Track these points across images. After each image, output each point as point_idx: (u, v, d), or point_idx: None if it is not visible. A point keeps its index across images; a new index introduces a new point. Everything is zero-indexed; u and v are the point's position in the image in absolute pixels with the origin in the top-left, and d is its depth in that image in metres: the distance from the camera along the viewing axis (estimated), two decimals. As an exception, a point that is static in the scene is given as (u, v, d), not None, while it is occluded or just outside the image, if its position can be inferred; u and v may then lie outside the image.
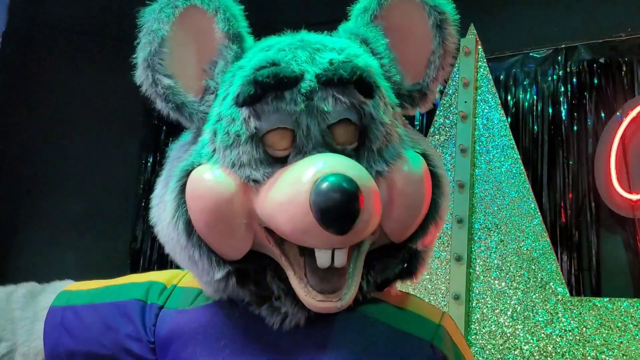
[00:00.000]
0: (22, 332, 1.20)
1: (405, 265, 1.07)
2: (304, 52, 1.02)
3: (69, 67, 3.36)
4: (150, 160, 3.48)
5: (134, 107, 3.46)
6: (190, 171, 1.01)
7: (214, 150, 1.03)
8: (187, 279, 1.18)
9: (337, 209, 0.90)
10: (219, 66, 1.07)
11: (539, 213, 2.02)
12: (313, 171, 0.93)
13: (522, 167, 2.07)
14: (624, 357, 1.83)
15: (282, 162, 1.00)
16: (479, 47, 2.22)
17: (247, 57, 1.05)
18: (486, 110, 2.17)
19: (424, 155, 1.06)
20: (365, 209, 0.92)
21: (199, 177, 1.01)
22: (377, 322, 1.07)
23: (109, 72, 3.39)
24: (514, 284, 1.99)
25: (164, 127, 3.47)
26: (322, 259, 0.97)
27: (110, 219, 3.38)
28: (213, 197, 0.99)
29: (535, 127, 2.39)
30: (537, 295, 1.96)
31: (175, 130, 3.36)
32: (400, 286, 1.13)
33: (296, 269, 1.00)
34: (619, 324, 1.85)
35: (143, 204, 3.43)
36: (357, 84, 0.99)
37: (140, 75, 1.07)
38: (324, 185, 0.90)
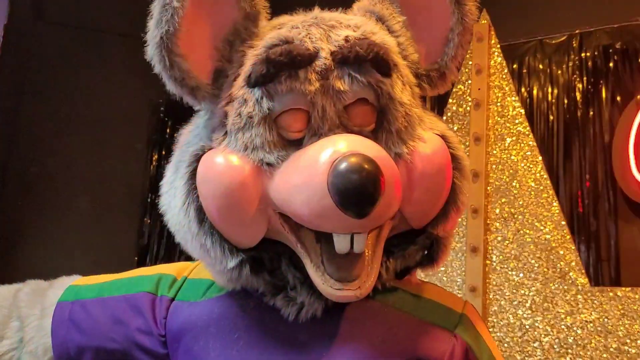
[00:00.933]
0: (30, 330, 1.17)
1: (426, 252, 1.04)
2: (319, 29, 0.98)
3: (74, 62, 3.32)
4: (157, 155, 3.44)
5: (140, 103, 3.44)
6: (201, 156, 0.97)
7: (226, 133, 0.99)
8: (197, 271, 1.16)
9: (357, 191, 0.86)
10: (234, 46, 1.02)
11: (556, 201, 1.97)
12: (331, 152, 0.89)
13: (538, 155, 2.02)
14: (648, 348, 1.78)
15: (296, 144, 0.96)
16: (492, 33, 2.17)
17: (259, 35, 1.01)
18: (500, 98, 2.13)
19: (443, 137, 1.01)
20: (386, 192, 0.88)
21: (210, 161, 0.97)
22: (398, 312, 1.04)
23: (114, 67, 3.36)
24: (532, 275, 1.95)
25: (170, 122, 3.43)
26: (341, 244, 0.93)
27: (117, 215, 3.34)
28: (225, 181, 0.95)
29: (550, 115, 2.34)
30: (556, 286, 1.91)
31: (181, 125, 3.33)
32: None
33: (313, 256, 0.97)
34: (642, 314, 1.80)
35: (149, 200, 3.39)
36: (374, 61, 0.96)
37: (153, 54, 1.00)
38: (343, 165, 0.86)
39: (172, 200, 1.03)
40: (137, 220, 3.42)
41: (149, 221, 3.37)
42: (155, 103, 3.44)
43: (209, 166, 0.97)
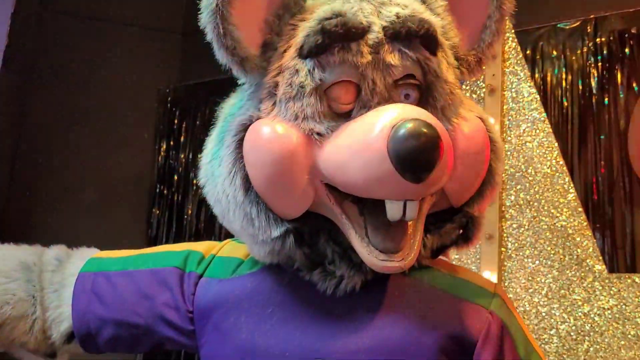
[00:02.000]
0: (52, 297, 1.16)
1: (462, 231, 1.05)
2: (370, 5, 1.00)
3: (81, 51, 3.32)
4: (164, 145, 3.42)
5: (148, 93, 3.43)
6: (248, 125, 0.99)
7: (274, 103, 1.00)
8: (225, 250, 1.16)
9: (417, 155, 0.88)
10: (284, 19, 1.04)
11: (573, 188, 1.95)
12: (390, 118, 0.91)
13: (554, 141, 2.00)
14: (667, 335, 1.76)
15: (345, 116, 0.98)
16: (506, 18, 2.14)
17: (309, 10, 1.03)
18: (515, 83, 2.10)
19: (481, 119, 1.05)
20: (443, 158, 0.90)
21: (259, 130, 0.98)
22: (433, 288, 1.06)
23: (122, 57, 3.36)
24: (549, 262, 1.93)
25: (178, 112, 3.41)
26: (394, 210, 0.94)
27: (125, 206, 3.34)
28: (274, 150, 0.96)
29: (565, 101, 2.31)
30: (573, 273, 1.89)
31: (189, 114, 3.31)
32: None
33: (357, 228, 0.98)
34: (661, 301, 1.79)
35: (157, 190, 3.38)
36: (424, 38, 0.99)
37: (208, 21, 0.99)
38: (403, 130, 0.88)
39: (215, 170, 1.03)
40: (145, 211, 3.42)
41: (157, 212, 3.36)
42: (162, 93, 3.43)
43: (257, 135, 0.98)
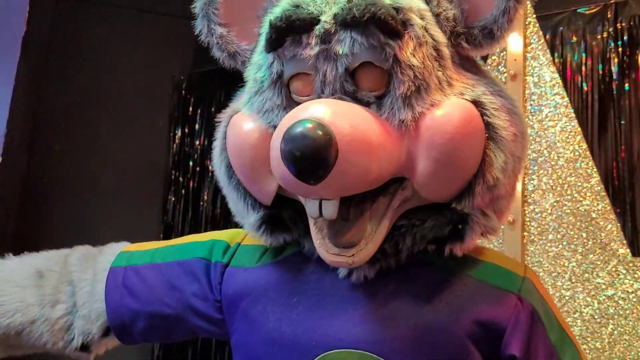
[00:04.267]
0: (82, 294, 1.19)
1: (460, 227, 0.98)
2: None
3: (97, 38, 3.32)
4: (179, 132, 3.43)
5: (162, 79, 3.43)
6: (231, 117, 1.04)
7: (249, 98, 1.03)
8: (250, 237, 1.16)
9: (301, 156, 0.85)
10: (266, 14, 1.05)
11: (596, 172, 1.95)
12: (289, 117, 0.90)
13: (577, 126, 2.00)
14: (692, 318, 1.77)
15: None
16: (528, 2, 2.14)
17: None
18: (537, 68, 2.10)
19: (477, 103, 0.95)
20: (343, 158, 0.85)
21: (233, 123, 1.03)
22: (460, 275, 1.02)
23: (137, 44, 3.36)
24: (572, 246, 1.94)
25: (192, 99, 3.41)
26: (310, 209, 0.95)
27: (141, 192, 3.35)
28: (239, 142, 1.01)
29: (585, 87, 2.31)
30: (596, 257, 1.90)
31: (204, 101, 3.31)
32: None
33: (318, 220, 0.97)
34: (685, 284, 1.80)
35: (173, 177, 3.39)
36: (377, 22, 0.91)
37: (198, 24, 1.09)
38: (292, 132, 0.86)
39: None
40: (161, 197, 3.43)
41: (173, 199, 3.37)
42: (177, 80, 3.43)
43: (232, 127, 1.03)
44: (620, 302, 1.85)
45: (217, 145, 1.08)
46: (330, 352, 0.98)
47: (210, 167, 3.22)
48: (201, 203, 3.28)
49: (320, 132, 0.84)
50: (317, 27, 0.94)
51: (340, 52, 0.93)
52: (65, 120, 3.24)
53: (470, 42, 0.99)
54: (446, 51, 0.98)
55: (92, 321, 1.18)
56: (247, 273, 1.12)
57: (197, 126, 3.39)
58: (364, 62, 0.94)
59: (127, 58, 3.34)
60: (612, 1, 2.36)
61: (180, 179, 3.37)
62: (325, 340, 0.99)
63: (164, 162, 3.42)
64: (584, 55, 2.34)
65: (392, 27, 0.92)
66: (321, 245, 0.97)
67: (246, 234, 1.16)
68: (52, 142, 3.22)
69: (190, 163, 3.35)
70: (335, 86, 0.94)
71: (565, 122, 2.02)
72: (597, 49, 2.34)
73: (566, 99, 2.02)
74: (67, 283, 1.20)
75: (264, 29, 1.00)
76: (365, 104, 0.94)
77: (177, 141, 3.42)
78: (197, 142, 3.36)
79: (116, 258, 1.21)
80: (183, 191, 3.36)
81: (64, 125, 3.24)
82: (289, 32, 0.96)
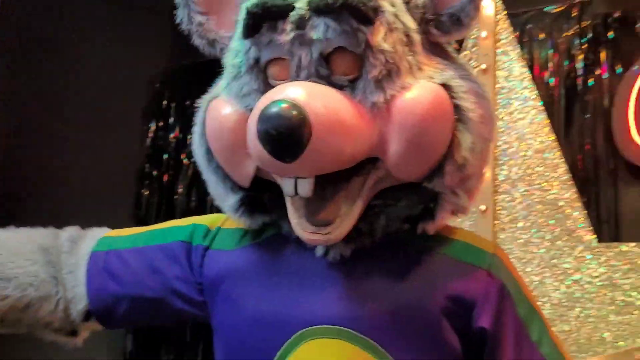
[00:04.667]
0: (69, 277, 1.20)
1: (431, 205, 1.04)
2: None
3: (70, 33, 3.29)
4: (154, 127, 3.43)
5: (136, 74, 3.42)
6: (210, 103, 1.07)
7: (228, 83, 1.07)
8: (230, 221, 1.19)
9: (276, 135, 0.89)
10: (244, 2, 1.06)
11: (563, 162, 2.04)
12: (265, 98, 0.94)
13: (545, 118, 2.09)
14: (653, 299, 1.87)
15: None
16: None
17: None
18: (507, 63, 2.18)
19: (446, 86, 0.99)
20: (316, 137, 0.89)
21: (212, 108, 1.06)
22: (433, 253, 1.07)
23: (111, 38, 3.34)
24: (541, 233, 2.02)
25: (167, 94, 3.42)
26: (287, 187, 0.98)
27: (113, 187, 3.33)
28: (218, 126, 1.04)
29: (551, 82, 2.40)
30: (563, 243, 1.99)
31: (178, 95, 3.30)
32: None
33: (294, 199, 1.01)
34: (647, 268, 1.90)
35: (146, 171, 3.39)
36: (349, 9, 0.95)
37: (179, 13, 1.13)
38: (267, 112, 0.90)
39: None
40: (134, 192, 3.43)
41: (146, 192, 3.37)
42: (151, 74, 3.43)
43: (211, 112, 1.06)
44: (586, 286, 1.95)
45: (196, 130, 1.11)
46: (309, 328, 1.02)
47: (184, 161, 3.24)
48: (175, 197, 3.29)
49: (294, 112, 0.88)
50: (292, 13, 0.97)
51: (315, 37, 0.97)
52: (36, 115, 3.21)
53: (439, 29, 1.04)
54: (416, 37, 1.02)
55: (73, 305, 1.19)
56: (227, 255, 1.15)
57: (171, 120, 3.39)
58: (338, 47, 0.97)
59: (101, 52, 3.32)
60: (576, 0, 2.46)
61: (154, 172, 3.38)
62: (304, 317, 1.03)
63: (138, 155, 3.42)
64: (550, 51, 2.43)
65: (364, 14, 0.96)
66: (298, 224, 1.00)
67: (226, 218, 1.19)
68: (23, 135, 3.19)
69: (165, 156, 3.36)
70: (310, 70, 0.98)
71: (534, 115, 2.11)
72: (563, 46, 2.43)
73: (535, 92, 2.11)
74: (58, 263, 1.20)
75: (241, 16, 1.03)
76: (339, 88, 0.98)
77: (150, 135, 3.43)
78: (172, 136, 3.36)
79: (97, 243, 1.23)
80: (157, 185, 3.36)
81: (35, 120, 3.21)
82: (265, 18, 0.99)
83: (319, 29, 0.96)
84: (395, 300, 1.03)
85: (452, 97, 0.99)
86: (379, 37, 0.98)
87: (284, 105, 0.89)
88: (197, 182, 3.24)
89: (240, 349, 1.08)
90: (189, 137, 3.32)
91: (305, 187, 0.95)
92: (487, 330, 1.03)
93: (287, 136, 0.88)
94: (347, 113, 0.94)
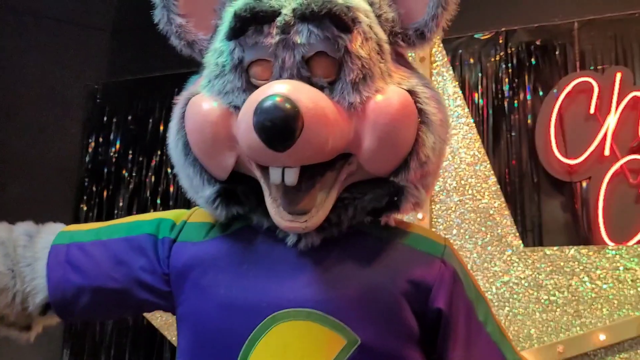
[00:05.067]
0: (26, 270, 1.19)
1: (395, 198, 1.11)
2: None
3: (10, 46, 3.26)
4: (93, 141, 3.42)
5: (76, 88, 3.41)
6: (189, 99, 1.11)
7: (209, 80, 1.11)
8: (195, 216, 1.23)
9: (272, 126, 0.95)
10: (225, 7, 1.14)
11: (493, 174, 2.21)
12: (259, 93, 1.00)
13: (476, 134, 2.25)
14: (572, 297, 2.05)
15: None
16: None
17: None
18: (442, 83, 2.34)
19: (412, 92, 1.08)
20: (307, 129, 0.96)
21: (193, 103, 1.10)
22: (393, 243, 1.15)
23: (51, 52, 3.33)
24: (473, 239, 2.17)
25: (107, 108, 3.43)
26: (273, 175, 1.04)
27: (51, 201, 3.28)
28: (200, 120, 1.08)
29: (481, 102, 2.60)
30: (493, 248, 2.14)
31: (119, 110, 3.33)
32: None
33: (273, 191, 1.07)
34: (567, 269, 2.07)
35: (86, 185, 3.37)
36: (331, 17, 1.03)
37: (157, 14, 1.16)
38: (263, 104, 0.96)
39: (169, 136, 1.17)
40: (73, 206, 3.39)
41: (85, 207, 3.35)
42: (91, 88, 3.43)
43: (191, 107, 1.10)
44: (514, 287, 2.10)
45: (172, 126, 1.15)
46: (280, 311, 1.06)
47: (126, 176, 3.25)
48: (116, 211, 3.28)
49: (288, 105, 0.95)
50: (279, 19, 1.04)
51: (299, 41, 1.03)
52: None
53: (405, 41, 1.13)
54: (387, 47, 1.10)
55: (31, 298, 1.18)
56: (195, 247, 1.17)
57: (112, 135, 3.40)
58: (319, 51, 1.04)
59: (42, 66, 3.30)
60: (502, 29, 2.68)
61: (94, 187, 3.36)
62: (275, 302, 1.07)
63: (77, 170, 3.40)
64: (479, 75, 2.63)
65: (344, 23, 1.04)
66: (276, 213, 1.06)
67: (191, 213, 1.23)
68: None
69: (105, 171, 3.36)
70: (292, 71, 1.04)
71: (466, 131, 2.27)
72: (491, 70, 2.64)
73: (466, 109, 2.28)
74: (14, 256, 1.19)
75: (227, 19, 1.09)
76: (320, 88, 1.05)
77: (90, 149, 3.42)
78: (112, 150, 3.37)
79: (57, 236, 1.22)
80: (97, 199, 3.35)
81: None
82: (253, 22, 1.05)
83: (302, 34, 1.03)
84: (361, 285, 1.09)
85: (416, 102, 1.07)
86: (357, 44, 1.05)
87: (279, 99, 0.95)
88: (137, 196, 3.26)
89: (210, 335, 1.11)
90: (129, 151, 3.37)
91: (292, 176, 1.02)
92: (442, 311, 1.12)
93: (281, 127, 0.94)
94: (330, 110, 1.02)
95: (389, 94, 1.06)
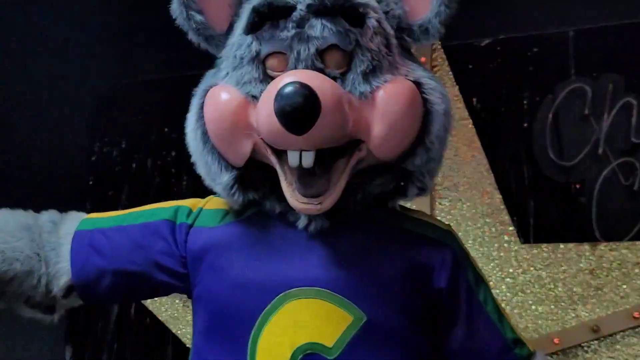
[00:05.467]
0: (51, 254, 1.28)
1: (402, 184, 1.22)
2: None
3: (17, 45, 3.30)
4: (99, 142, 3.46)
5: (83, 89, 3.45)
6: (208, 90, 1.20)
7: (227, 72, 1.20)
8: (211, 203, 1.32)
9: (292, 110, 1.03)
10: (242, 3, 1.25)
11: (492, 175, 2.30)
12: (279, 81, 1.08)
13: (476, 135, 2.34)
14: (567, 291, 2.13)
15: None
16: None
17: None
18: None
19: (417, 83, 1.17)
20: (324, 114, 1.04)
21: (212, 94, 1.19)
22: (397, 227, 1.25)
23: (58, 53, 3.37)
24: (472, 236, 2.26)
25: (115, 109, 3.46)
26: (291, 158, 1.12)
27: (58, 201, 3.32)
28: (220, 109, 1.16)
29: (479, 106, 2.67)
30: (491, 245, 2.25)
31: (127, 112, 3.34)
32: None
33: (288, 176, 1.15)
34: (562, 264, 2.18)
35: (91, 183, 3.41)
36: (343, 12, 1.14)
37: (175, 10, 1.24)
38: (284, 90, 1.04)
39: (187, 127, 1.26)
40: (77, 208, 3.40)
41: (89, 208, 3.39)
42: (99, 90, 3.45)
43: (211, 98, 1.19)
44: (511, 281, 2.20)
45: (191, 116, 1.24)
46: (291, 289, 1.15)
47: (132, 176, 3.30)
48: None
49: (307, 92, 1.03)
50: (294, 13, 1.14)
51: (313, 35, 1.13)
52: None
53: (410, 36, 1.24)
54: (394, 41, 1.21)
55: (55, 281, 1.27)
56: (211, 231, 1.26)
57: (118, 135, 3.44)
58: (331, 44, 1.14)
59: (47, 67, 3.33)
60: (501, 36, 2.77)
61: (99, 187, 3.41)
62: (286, 281, 1.16)
63: (83, 170, 3.43)
64: (478, 79, 2.71)
65: (356, 18, 1.15)
66: (292, 196, 1.15)
67: (206, 201, 1.33)
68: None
69: (110, 171, 3.40)
70: (307, 63, 1.13)
71: (467, 133, 2.37)
72: (490, 75, 2.72)
73: (466, 112, 2.37)
74: (39, 241, 1.29)
75: (245, 14, 1.20)
76: (332, 79, 1.14)
77: (96, 150, 3.45)
78: (117, 151, 3.40)
79: (80, 223, 1.33)
80: (101, 200, 3.39)
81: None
82: (270, 16, 1.15)
83: (316, 28, 1.13)
84: (367, 265, 1.18)
85: (422, 92, 1.17)
86: (367, 38, 1.16)
87: (298, 85, 1.04)
88: (141, 194, 3.32)
89: (225, 313, 1.19)
90: (135, 152, 3.42)
91: (309, 159, 1.10)
92: (443, 291, 1.22)
93: (301, 111, 1.03)
94: (344, 97, 1.12)
95: (397, 84, 1.15)
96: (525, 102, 2.66)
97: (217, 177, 1.21)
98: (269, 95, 1.08)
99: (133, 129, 3.37)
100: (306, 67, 1.13)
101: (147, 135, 3.30)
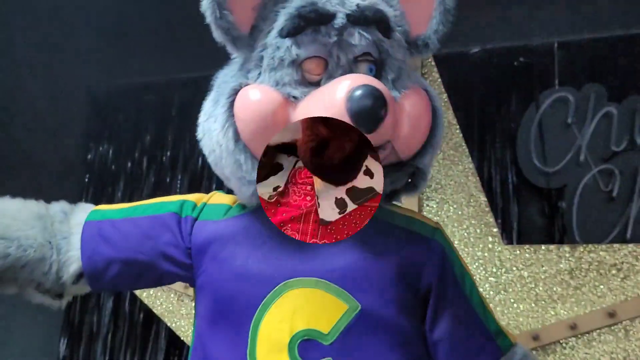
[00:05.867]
0: (62, 243, 1.31)
1: (410, 180, 1.28)
2: None
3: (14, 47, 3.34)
4: (93, 142, 3.51)
5: (79, 90, 3.49)
6: (239, 90, 1.21)
7: (259, 73, 1.23)
8: (214, 198, 1.36)
9: (370, 109, 1.09)
10: (268, 7, 1.26)
11: (477, 180, 2.39)
12: (348, 84, 1.13)
13: (463, 143, 2.41)
14: (547, 290, 2.23)
15: (315, 84, 1.21)
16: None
17: (287, 0, 1.24)
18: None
19: (425, 91, 1.27)
20: (389, 114, 1.13)
21: (247, 94, 1.20)
22: (390, 224, 1.29)
23: (55, 54, 3.41)
24: (456, 237, 2.34)
25: (110, 109, 3.51)
26: None
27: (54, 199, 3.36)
28: (260, 109, 1.18)
29: (468, 113, 2.77)
30: (476, 245, 2.31)
31: (119, 112, 3.36)
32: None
33: None
34: (543, 265, 2.24)
35: (87, 181, 3.46)
36: (378, 24, 1.22)
37: (207, 7, 1.22)
38: (358, 92, 1.10)
39: (211, 125, 1.24)
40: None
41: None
42: (94, 91, 3.50)
43: (246, 97, 1.19)
44: (494, 280, 2.27)
45: (218, 115, 1.21)
46: (291, 279, 1.19)
47: (128, 175, 3.35)
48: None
49: (378, 94, 1.10)
50: (335, 21, 1.19)
51: (353, 42, 1.20)
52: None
53: (413, 50, 1.32)
54: (407, 52, 1.30)
55: (65, 268, 1.30)
56: (215, 224, 1.29)
57: (114, 135, 3.50)
58: (365, 52, 1.22)
59: (43, 69, 3.35)
60: (489, 46, 2.87)
61: (94, 185, 3.46)
62: (286, 272, 1.20)
63: (79, 169, 3.48)
64: (467, 88, 2.81)
65: (387, 30, 1.24)
66: None
67: (210, 196, 1.37)
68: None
69: (106, 170, 3.45)
70: (345, 68, 1.20)
71: (455, 141, 2.42)
72: (478, 84, 2.81)
73: (455, 119, 2.45)
74: (52, 229, 1.31)
75: (283, 18, 1.21)
76: None
77: (92, 148, 3.50)
78: (112, 150, 3.45)
79: (90, 214, 1.34)
80: (96, 198, 3.45)
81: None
82: (314, 22, 1.20)
83: (355, 37, 1.20)
84: (362, 259, 1.22)
85: (430, 99, 1.26)
86: (394, 48, 1.25)
87: (371, 88, 1.10)
88: (138, 193, 3.37)
89: (227, 301, 1.23)
90: (131, 152, 3.47)
91: None
92: (432, 284, 1.27)
93: (375, 111, 1.10)
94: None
95: (417, 91, 1.25)
96: (510, 109, 2.76)
97: (247, 175, 1.22)
98: (335, 97, 1.13)
99: (128, 129, 3.43)
100: (344, 72, 1.20)
101: (141, 136, 3.36)
